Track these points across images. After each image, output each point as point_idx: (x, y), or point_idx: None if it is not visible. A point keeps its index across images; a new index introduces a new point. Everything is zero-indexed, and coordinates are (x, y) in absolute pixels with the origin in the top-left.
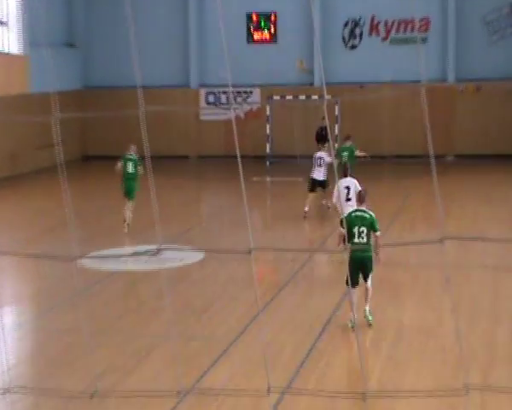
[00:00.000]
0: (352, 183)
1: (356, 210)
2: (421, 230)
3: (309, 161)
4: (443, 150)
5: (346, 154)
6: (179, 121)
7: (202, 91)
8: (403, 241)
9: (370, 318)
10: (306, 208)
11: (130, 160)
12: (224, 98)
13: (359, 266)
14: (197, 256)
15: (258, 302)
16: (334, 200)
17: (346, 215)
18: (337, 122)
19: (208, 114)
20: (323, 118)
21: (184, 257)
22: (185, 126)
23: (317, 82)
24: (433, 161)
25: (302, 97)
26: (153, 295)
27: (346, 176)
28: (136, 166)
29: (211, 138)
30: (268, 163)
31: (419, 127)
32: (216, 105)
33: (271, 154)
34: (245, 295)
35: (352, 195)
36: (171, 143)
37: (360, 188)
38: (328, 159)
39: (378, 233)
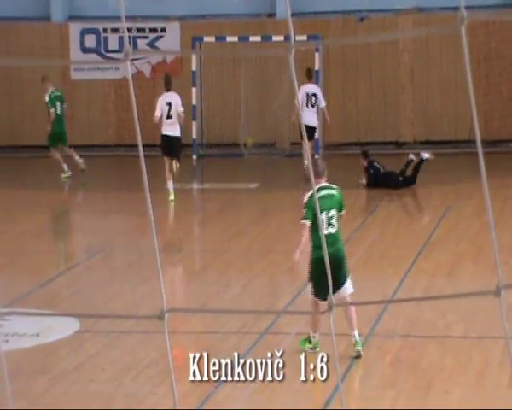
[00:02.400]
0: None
1: (320, 188)
2: (468, 269)
3: (265, 151)
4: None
5: None
6: (32, 83)
7: (74, 29)
8: (436, 290)
9: (360, 346)
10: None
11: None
12: (114, 42)
13: (332, 270)
14: (67, 327)
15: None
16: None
17: (306, 199)
18: (317, 82)
19: (85, 70)
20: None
21: (43, 329)
22: (43, 93)
23: (281, 11)
24: (480, 151)
25: (255, 39)
26: None
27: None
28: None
29: (90, 114)
30: (195, 157)
31: (462, 93)
32: (100, 54)
33: (201, 141)
34: None
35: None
36: (15, 123)
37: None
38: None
39: (344, 212)
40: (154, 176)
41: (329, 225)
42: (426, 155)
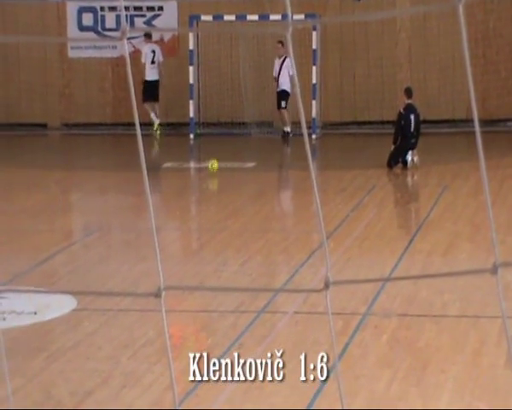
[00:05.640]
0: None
1: None
2: (465, 248)
3: (263, 131)
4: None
5: None
6: (29, 61)
7: (71, 7)
8: (433, 269)
9: None
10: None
11: None
12: (111, 20)
13: None
14: (64, 305)
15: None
16: None
17: None
18: (314, 63)
19: (82, 49)
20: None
21: (40, 307)
22: (40, 70)
23: None
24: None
25: (253, 18)
26: None
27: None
28: None
29: (87, 92)
30: (192, 136)
31: (459, 72)
32: (97, 32)
33: (198, 120)
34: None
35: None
36: (13, 101)
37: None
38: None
39: None
40: (152, 155)
41: None
42: (415, 158)
